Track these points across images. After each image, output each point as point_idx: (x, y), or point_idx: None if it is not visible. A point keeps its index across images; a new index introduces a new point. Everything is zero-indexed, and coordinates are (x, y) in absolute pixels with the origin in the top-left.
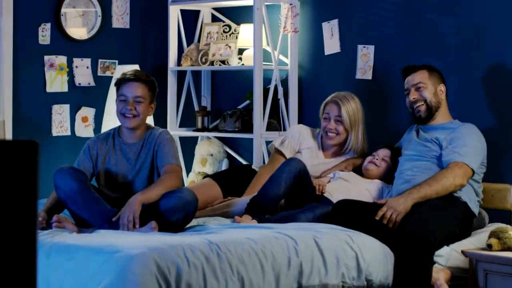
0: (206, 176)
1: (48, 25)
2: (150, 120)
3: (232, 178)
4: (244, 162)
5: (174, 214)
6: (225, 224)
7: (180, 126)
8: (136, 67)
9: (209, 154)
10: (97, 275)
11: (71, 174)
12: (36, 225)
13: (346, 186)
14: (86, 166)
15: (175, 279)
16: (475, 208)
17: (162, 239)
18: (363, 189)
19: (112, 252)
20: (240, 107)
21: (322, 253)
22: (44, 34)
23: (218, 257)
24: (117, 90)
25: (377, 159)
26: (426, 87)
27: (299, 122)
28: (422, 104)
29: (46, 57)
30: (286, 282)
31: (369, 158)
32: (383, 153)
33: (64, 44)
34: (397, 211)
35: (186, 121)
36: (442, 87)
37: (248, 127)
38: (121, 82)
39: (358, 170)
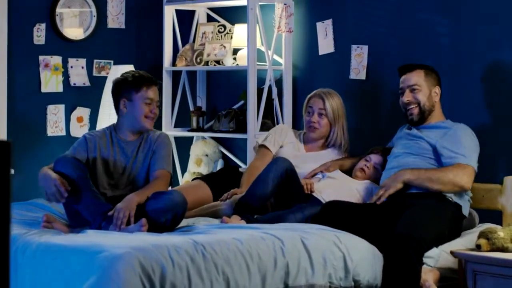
0: (195, 178)
1: (43, 25)
2: None
3: (222, 180)
4: (238, 162)
5: (162, 216)
6: (213, 225)
7: (175, 126)
8: (131, 67)
9: (204, 154)
10: (81, 275)
11: (72, 164)
12: (10, 224)
13: (335, 186)
14: (80, 156)
15: (159, 279)
16: (466, 208)
17: (147, 239)
18: (352, 189)
19: (96, 252)
20: (235, 107)
21: (309, 253)
22: (39, 34)
23: (203, 257)
24: (136, 91)
25: (367, 167)
26: (420, 90)
27: (293, 122)
28: (416, 107)
29: (41, 57)
30: (272, 282)
31: (360, 164)
32: (375, 159)
33: (59, 44)
34: (387, 188)
35: (181, 121)
36: (437, 90)
37: (242, 127)
38: (144, 84)
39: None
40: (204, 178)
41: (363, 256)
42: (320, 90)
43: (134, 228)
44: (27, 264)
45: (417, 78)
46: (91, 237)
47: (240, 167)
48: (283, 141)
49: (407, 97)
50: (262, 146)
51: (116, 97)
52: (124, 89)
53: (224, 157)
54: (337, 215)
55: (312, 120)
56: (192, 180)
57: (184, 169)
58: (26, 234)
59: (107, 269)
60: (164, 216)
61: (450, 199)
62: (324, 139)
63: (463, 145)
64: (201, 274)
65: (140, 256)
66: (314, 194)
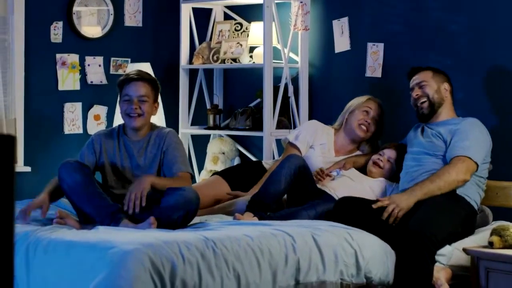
0: (214, 173)
1: (60, 24)
2: (162, 118)
3: (241, 175)
4: (255, 160)
5: (175, 212)
6: (225, 221)
7: (192, 124)
8: (148, 65)
9: (221, 152)
10: (92, 271)
11: (76, 168)
12: (13, 220)
13: (350, 184)
14: (89, 159)
15: (169, 275)
16: (477, 201)
17: (158, 235)
18: (366, 188)
19: (106, 248)
20: (251, 105)
21: (320, 250)
22: (56, 33)
23: (214, 253)
24: (120, 90)
25: (381, 161)
26: (428, 85)
27: (309, 120)
28: (425, 101)
29: (58, 55)
30: (283, 279)
31: (374, 158)
32: (389, 153)
33: (76, 42)
34: (400, 207)
35: (198, 119)
36: (446, 86)
37: (259, 125)
38: (124, 82)
39: (362, 168)
40: (223, 173)
41: (375, 253)
42: (378, 99)
43: (143, 226)
44: (39, 260)
45: (424, 76)
46: (101, 233)
47: (262, 160)
48: (314, 142)
49: (415, 92)
50: (292, 145)
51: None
52: (118, 90)
53: (241, 155)
54: (350, 211)
55: (369, 121)
56: (211, 175)
57: (201, 167)
58: (38, 230)
59: (117, 265)
60: (177, 213)
61: (464, 196)
62: (358, 144)
63: (467, 138)
64: (212, 270)
65: (150, 252)
66: (327, 191)
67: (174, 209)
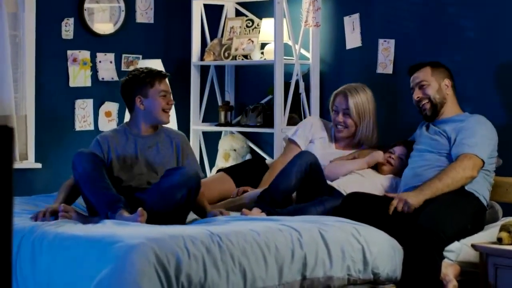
0: (219, 170)
1: (71, 20)
2: (173, 115)
3: (246, 172)
4: (266, 157)
5: (178, 191)
6: (232, 217)
7: (203, 121)
8: (159, 62)
9: (232, 149)
10: (96, 266)
11: (88, 158)
12: (12, 212)
13: (360, 181)
14: None
15: (174, 270)
16: (486, 196)
17: (163, 229)
18: (377, 184)
19: (111, 242)
20: (262, 101)
21: (327, 245)
22: (68, 29)
23: (220, 248)
24: (151, 86)
25: (393, 159)
26: (429, 85)
27: (320, 117)
28: (427, 102)
29: (69, 52)
30: (290, 274)
31: (385, 156)
32: (399, 151)
33: (88, 39)
34: (408, 203)
35: (209, 116)
36: (447, 82)
37: (270, 121)
38: (156, 78)
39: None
40: (227, 170)
41: (383, 248)
42: (346, 87)
43: (134, 218)
44: (44, 254)
45: (423, 75)
46: (107, 228)
47: (266, 159)
48: (313, 136)
49: (416, 94)
50: (291, 141)
51: (130, 96)
52: (137, 86)
53: (252, 151)
54: (358, 207)
55: (338, 120)
56: (216, 172)
57: (212, 164)
58: (44, 224)
59: (122, 259)
60: (180, 191)
61: (472, 192)
62: (352, 138)
63: (472, 135)
64: (217, 265)
65: (155, 247)
66: (336, 187)
67: (177, 189)
